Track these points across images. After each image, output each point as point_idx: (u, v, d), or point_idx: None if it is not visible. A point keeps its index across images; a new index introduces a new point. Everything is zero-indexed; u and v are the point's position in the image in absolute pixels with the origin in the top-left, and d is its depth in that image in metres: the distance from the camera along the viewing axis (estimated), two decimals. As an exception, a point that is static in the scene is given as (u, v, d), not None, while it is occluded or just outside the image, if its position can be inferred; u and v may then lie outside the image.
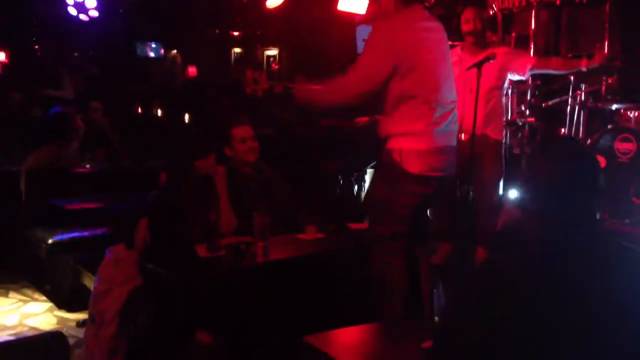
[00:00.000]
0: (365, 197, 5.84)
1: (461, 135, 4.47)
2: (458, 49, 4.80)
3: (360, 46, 8.79)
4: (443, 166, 3.35)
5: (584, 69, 4.48)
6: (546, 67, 4.73)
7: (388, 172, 3.38)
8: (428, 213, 3.64)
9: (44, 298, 4.98)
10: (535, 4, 6.02)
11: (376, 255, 3.47)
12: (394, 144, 3.34)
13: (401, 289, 3.43)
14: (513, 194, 5.22)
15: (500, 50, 4.74)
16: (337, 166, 5.96)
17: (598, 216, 1.91)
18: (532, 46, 6.19)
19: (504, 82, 4.72)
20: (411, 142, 3.29)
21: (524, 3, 6.11)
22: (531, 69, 4.67)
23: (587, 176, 1.82)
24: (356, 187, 5.93)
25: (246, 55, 12.62)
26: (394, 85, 3.31)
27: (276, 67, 11.90)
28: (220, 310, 3.21)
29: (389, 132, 3.37)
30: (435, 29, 3.47)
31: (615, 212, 4.40)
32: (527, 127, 5.78)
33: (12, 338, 4.13)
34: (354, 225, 4.19)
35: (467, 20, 4.67)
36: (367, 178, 6.01)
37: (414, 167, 3.28)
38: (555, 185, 1.81)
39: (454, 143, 3.46)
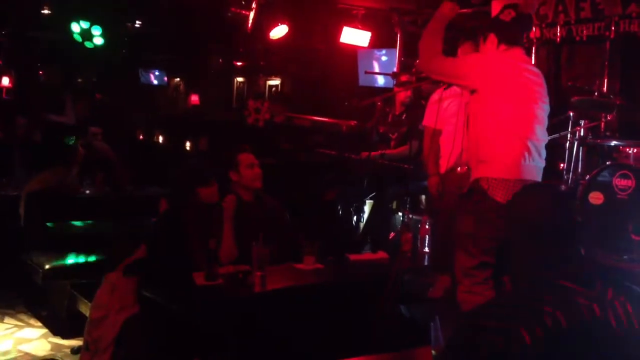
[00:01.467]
0: (363, 229, 5.83)
1: (459, 168, 4.49)
2: (441, 89, 4.83)
3: (362, 76, 8.87)
4: None
5: None
6: None
7: (473, 203, 3.44)
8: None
9: (40, 324, 4.95)
10: (535, 40, 6.08)
11: (465, 287, 3.46)
12: (481, 172, 3.42)
13: None
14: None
15: None
16: (336, 197, 5.97)
17: (583, 252, 1.92)
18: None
19: None
20: (499, 172, 3.37)
21: (524, 39, 6.16)
22: None
23: (563, 221, 1.88)
24: (355, 218, 5.93)
25: (249, 84, 12.72)
26: (487, 113, 3.44)
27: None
28: (216, 338, 3.20)
29: (478, 159, 3.46)
30: (534, 73, 3.61)
31: (613, 249, 4.39)
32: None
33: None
34: (353, 256, 4.18)
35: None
36: (366, 209, 6.01)
37: (500, 195, 3.33)
38: (536, 228, 1.86)
39: (540, 178, 3.51)
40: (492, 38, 3.56)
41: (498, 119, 3.42)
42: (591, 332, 1.65)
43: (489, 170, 3.40)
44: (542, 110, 3.56)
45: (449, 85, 4.37)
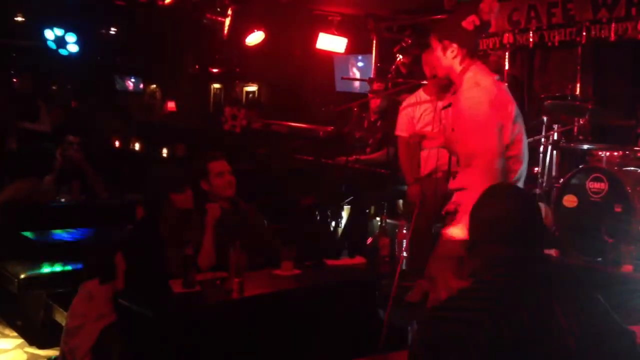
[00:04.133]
0: (342, 234, 5.85)
1: (437, 173, 4.53)
2: (421, 91, 4.88)
3: (338, 82, 8.91)
4: None
5: None
6: None
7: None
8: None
9: (15, 334, 4.89)
10: (508, 46, 6.17)
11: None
12: (463, 198, 3.17)
13: None
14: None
15: None
16: (314, 202, 5.98)
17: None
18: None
19: None
20: None
21: (497, 45, 6.25)
22: None
23: (527, 216, 1.99)
24: (333, 223, 5.95)
25: (226, 90, 12.71)
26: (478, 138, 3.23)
27: (255, 102, 11.97)
28: (194, 346, 3.19)
29: (461, 184, 3.25)
30: (501, 83, 3.44)
31: (587, 251, 4.45)
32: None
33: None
34: (330, 262, 4.19)
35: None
36: (344, 214, 6.03)
37: None
38: (498, 225, 1.97)
39: None
40: (456, 49, 3.26)
41: (486, 144, 3.19)
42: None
43: (471, 197, 3.26)
44: (518, 122, 3.40)
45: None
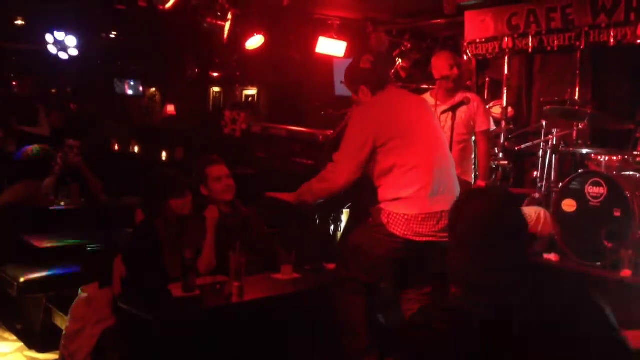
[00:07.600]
0: (341, 238, 5.85)
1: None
2: (429, 94, 4.91)
3: (338, 86, 8.91)
4: (432, 232, 3.33)
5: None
6: (478, 143, 4.92)
7: (373, 227, 3.42)
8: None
9: (14, 338, 4.89)
10: (507, 50, 6.18)
11: (337, 294, 3.49)
12: (383, 205, 3.39)
13: (363, 324, 3.44)
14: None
15: (473, 97, 4.86)
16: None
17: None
18: (504, 91, 6.33)
19: (473, 127, 4.86)
20: (401, 207, 3.31)
21: (497, 50, 6.25)
22: (477, 132, 4.87)
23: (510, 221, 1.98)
24: (333, 227, 5.94)
25: (225, 94, 12.71)
26: (378, 159, 3.39)
27: (255, 106, 11.98)
28: (194, 350, 3.19)
29: (380, 200, 3.43)
30: (413, 102, 3.60)
31: (586, 256, 4.46)
32: (500, 169, 5.89)
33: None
34: (330, 265, 4.20)
35: (451, 66, 4.79)
36: (344, 218, 6.03)
37: (399, 230, 3.31)
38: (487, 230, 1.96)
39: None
40: (364, 89, 3.57)
41: (387, 159, 3.36)
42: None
43: (391, 206, 3.35)
44: (436, 134, 3.52)
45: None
